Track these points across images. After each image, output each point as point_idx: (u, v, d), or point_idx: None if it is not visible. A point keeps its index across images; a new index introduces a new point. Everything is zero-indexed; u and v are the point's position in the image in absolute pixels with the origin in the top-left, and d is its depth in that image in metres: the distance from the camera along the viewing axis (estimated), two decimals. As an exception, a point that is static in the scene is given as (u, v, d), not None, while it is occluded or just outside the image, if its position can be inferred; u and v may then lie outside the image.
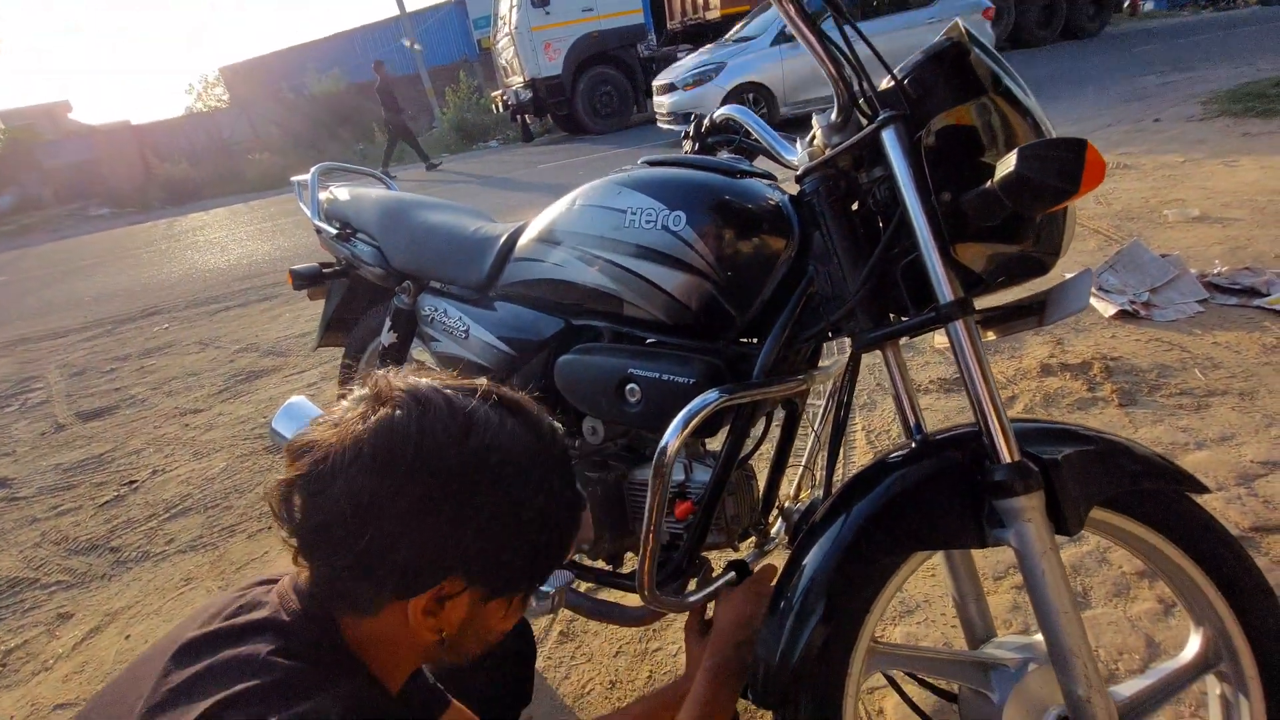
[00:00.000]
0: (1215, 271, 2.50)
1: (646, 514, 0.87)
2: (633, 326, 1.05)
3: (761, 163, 1.14)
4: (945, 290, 0.79)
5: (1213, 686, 0.91)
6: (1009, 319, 0.92)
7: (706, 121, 1.19)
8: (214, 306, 4.80)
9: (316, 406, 1.68)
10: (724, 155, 1.11)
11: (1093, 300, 2.52)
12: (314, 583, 0.61)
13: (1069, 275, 0.84)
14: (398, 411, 0.58)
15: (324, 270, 1.70)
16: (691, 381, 0.92)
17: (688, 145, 1.22)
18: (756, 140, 1.13)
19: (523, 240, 1.19)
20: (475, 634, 0.65)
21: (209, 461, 2.56)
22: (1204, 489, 0.87)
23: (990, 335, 0.97)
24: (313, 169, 1.76)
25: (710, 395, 0.84)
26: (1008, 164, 0.69)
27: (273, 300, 4.67)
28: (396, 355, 1.51)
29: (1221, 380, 2.00)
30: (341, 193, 1.68)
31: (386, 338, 1.50)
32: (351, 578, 0.58)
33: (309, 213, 1.71)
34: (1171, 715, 1.15)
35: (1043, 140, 0.67)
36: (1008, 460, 0.77)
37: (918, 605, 1.44)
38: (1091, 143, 0.66)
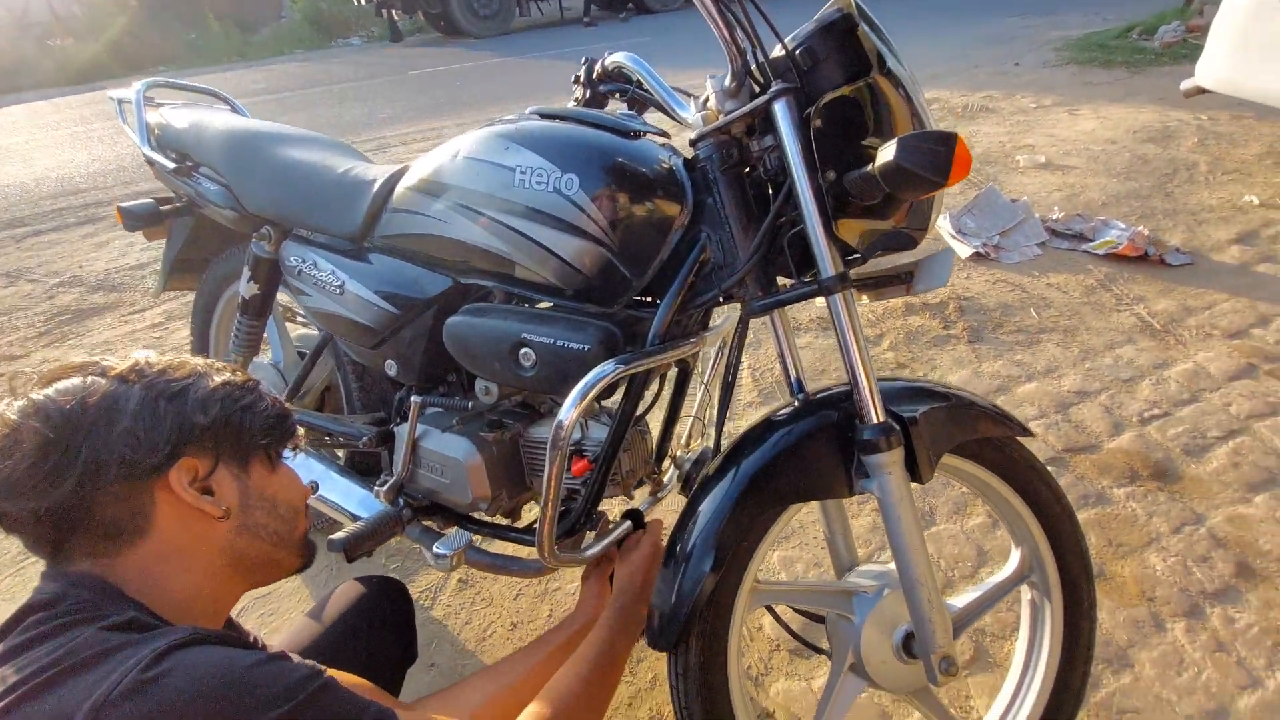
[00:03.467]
0: (1054, 217, 2.80)
1: (545, 483, 0.88)
2: (525, 288, 1.02)
3: (652, 116, 1.12)
4: (827, 265, 0.83)
5: (1025, 593, 1.09)
6: (881, 285, 0.99)
7: (598, 67, 1.13)
8: (21, 230, 4.10)
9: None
10: (618, 111, 1.07)
11: (953, 242, 2.74)
12: (67, 554, 0.62)
13: (934, 252, 0.91)
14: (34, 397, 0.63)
15: (162, 208, 1.49)
16: (587, 348, 0.93)
17: (578, 91, 1.16)
18: (649, 92, 1.10)
19: (401, 189, 1.11)
20: (262, 505, 0.71)
21: (41, 417, 2.26)
22: (1029, 433, 1.01)
23: (864, 298, 1.04)
24: (136, 86, 1.50)
25: (606, 367, 0.85)
26: (887, 152, 0.72)
27: (96, 224, 4.06)
28: (259, 308, 1.39)
29: (1051, 318, 2.28)
30: (176, 117, 1.45)
31: (246, 288, 1.36)
32: (91, 502, 0.61)
33: (135, 138, 1.47)
34: (991, 615, 1.38)
35: (919, 133, 0.71)
36: (875, 420, 0.86)
37: (793, 531, 1.59)
38: (962, 138, 0.70)
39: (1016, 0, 8.31)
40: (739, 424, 1.93)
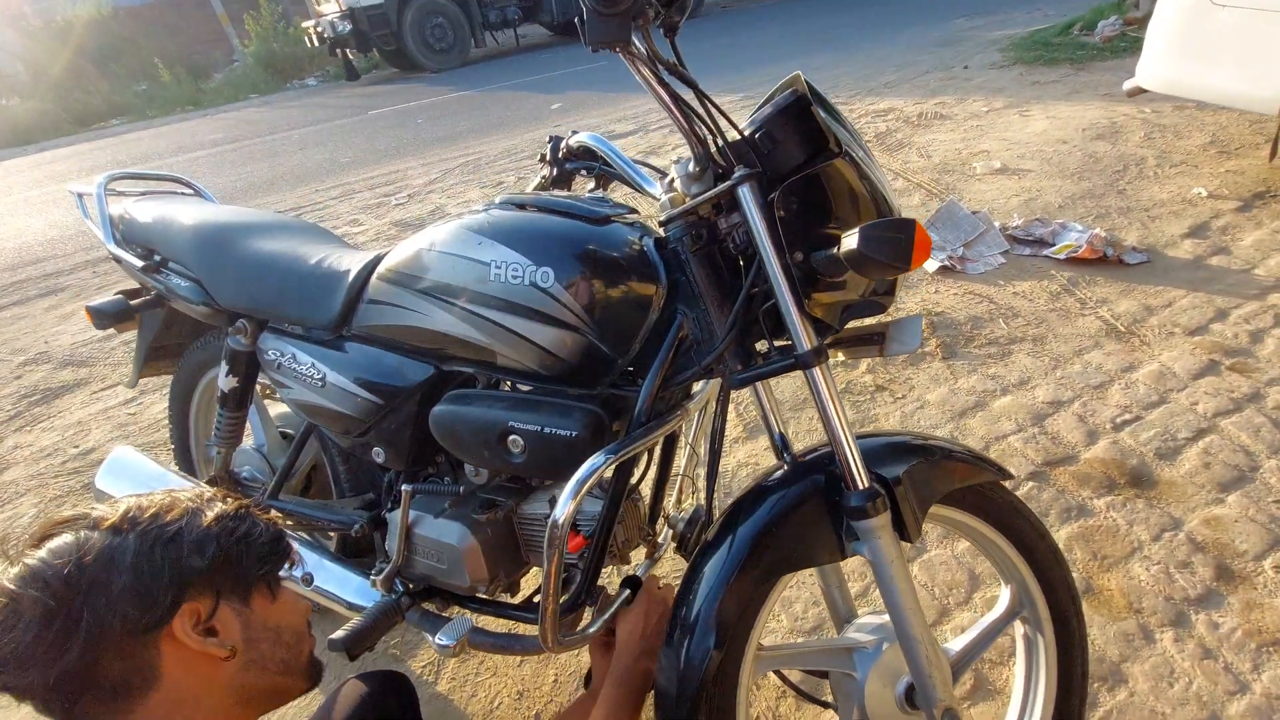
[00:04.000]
0: (1014, 224, 2.87)
1: (544, 576, 0.89)
2: (507, 374, 1.03)
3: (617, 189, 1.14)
4: (803, 341, 0.86)
5: (1018, 628, 1.12)
6: (854, 345, 1.02)
7: (564, 147, 1.15)
8: (-17, 305, 4.01)
9: (147, 458, 1.50)
10: (585, 192, 1.09)
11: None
12: (79, 717, 0.62)
13: (902, 317, 0.94)
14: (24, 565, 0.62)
15: (131, 302, 1.48)
16: (574, 434, 0.94)
17: (545, 170, 1.18)
18: (614, 169, 1.12)
19: (376, 280, 1.11)
20: (266, 636, 0.71)
21: (13, 509, 2.21)
22: (1009, 475, 1.04)
23: (839, 355, 1.06)
24: (98, 180, 1.49)
25: (597, 460, 0.87)
26: (850, 241, 0.75)
27: (59, 294, 3.98)
28: (239, 400, 1.38)
29: (1020, 328, 2.34)
30: (141, 210, 1.44)
31: (225, 382, 1.35)
32: (98, 664, 0.61)
33: (99, 234, 1.46)
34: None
35: (879, 221, 0.74)
36: (860, 486, 0.88)
37: (789, 570, 1.60)
38: (920, 224, 0.73)
39: (958, 2, 8.54)
40: (725, 461, 1.95)
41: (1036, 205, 3.11)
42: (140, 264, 1.36)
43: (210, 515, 0.70)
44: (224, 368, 1.34)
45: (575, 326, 0.93)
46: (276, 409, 1.69)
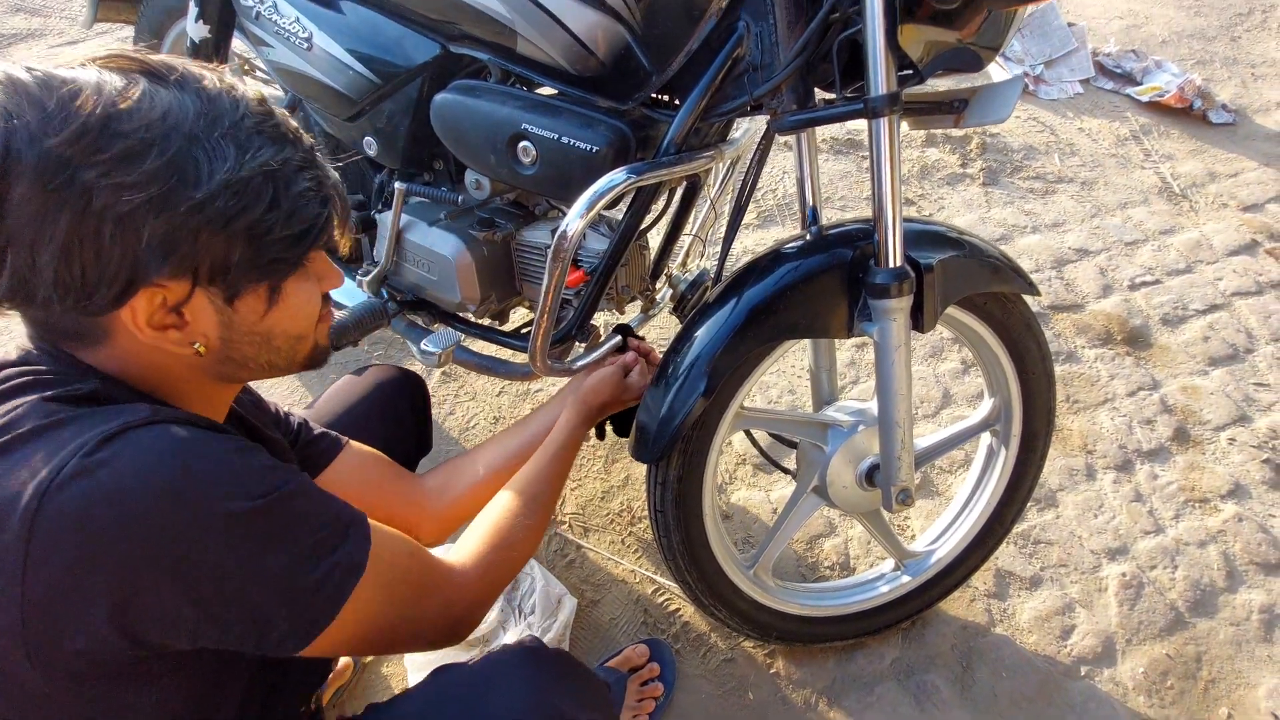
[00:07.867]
0: (1107, 51, 2.53)
1: (543, 293, 0.84)
2: (526, 68, 0.89)
3: None
4: (880, 81, 0.73)
5: (984, 439, 1.15)
6: (928, 113, 0.89)
7: None
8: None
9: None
10: None
11: (992, 68, 2.49)
12: (32, 325, 0.53)
13: (999, 78, 0.80)
14: None
15: None
16: (595, 149, 0.83)
17: None
18: None
19: (383, -82, 0.91)
20: (251, 341, 0.57)
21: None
22: (1036, 291, 0.99)
23: (905, 125, 0.94)
24: None
25: (617, 176, 0.77)
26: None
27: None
28: (211, 55, 1.20)
29: (1072, 168, 2.16)
30: None
31: (195, 29, 1.17)
32: (36, 303, 0.49)
33: None
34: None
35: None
36: (892, 264, 0.81)
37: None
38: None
39: None
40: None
41: (1138, 35, 2.72)
42: None
43: (225, 165, 0.48)
44: (193, 10, 1.15)
45: (617, 11, 0.78)
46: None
